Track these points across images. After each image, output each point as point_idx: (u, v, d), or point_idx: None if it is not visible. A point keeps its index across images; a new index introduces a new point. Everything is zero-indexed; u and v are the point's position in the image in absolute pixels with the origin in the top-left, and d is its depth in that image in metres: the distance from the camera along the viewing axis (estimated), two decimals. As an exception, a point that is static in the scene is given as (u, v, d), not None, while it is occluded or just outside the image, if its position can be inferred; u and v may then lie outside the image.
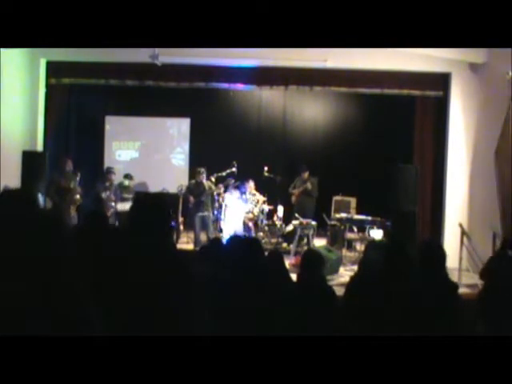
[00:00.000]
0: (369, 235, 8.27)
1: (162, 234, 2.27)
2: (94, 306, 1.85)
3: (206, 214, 8.82)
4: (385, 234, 8.02)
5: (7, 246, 1.90)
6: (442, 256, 3.39)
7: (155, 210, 2.28)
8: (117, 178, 9.25)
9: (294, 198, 9.49)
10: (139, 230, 2.26)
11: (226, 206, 9.31)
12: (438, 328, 3.02)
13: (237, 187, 9.35)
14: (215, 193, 9.22)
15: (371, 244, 3.74)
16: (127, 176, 9.31)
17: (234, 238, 3.92)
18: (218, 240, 5.51)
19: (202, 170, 8.94)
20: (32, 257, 1.92)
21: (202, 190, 8.82)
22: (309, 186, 9.22)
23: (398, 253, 3.44)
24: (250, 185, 9.35)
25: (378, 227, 8.23)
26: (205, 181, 8.95)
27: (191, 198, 8.91)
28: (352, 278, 3.83)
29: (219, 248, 4.76)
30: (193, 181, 9.09)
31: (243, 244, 3.45)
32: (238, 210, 9.16)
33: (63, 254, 2.00)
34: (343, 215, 8.76)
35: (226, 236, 8.68)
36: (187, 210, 9.26)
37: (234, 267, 3.27)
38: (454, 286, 3.39)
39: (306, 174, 9.39)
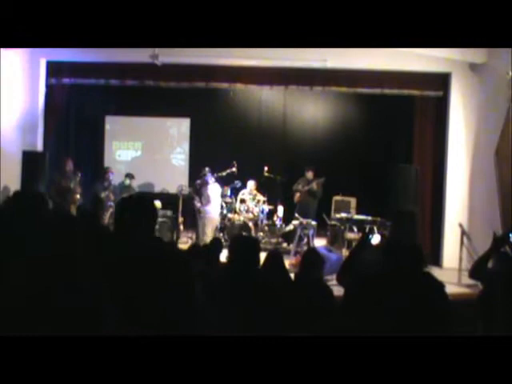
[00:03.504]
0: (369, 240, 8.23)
1: (145, 232, 2.29)
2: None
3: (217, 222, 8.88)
4: (382, 239, 7.97)
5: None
6: (418, 256, 3.37)
7: (131, 210, 2.31)
8: (116, 178, 9.26)
9: (296, 197, 9.46)
10: (122, 230, 2.29)
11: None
12: (428, 328, 3.01)
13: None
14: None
15: (362, 244, 3.73)
16: (129, 175, 9.33)
17: (235, 238, 3.92)
18: (218, 240, 5.52)
19: (207, 169, 9.02)
20: (32, 256, 1.92)
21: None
22: (314, 186, 9.21)
23: (392, 253, 3.44)
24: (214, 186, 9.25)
25: (378, 231, 8.21)
26: (209, 181, 9.01)
27: (196, 198, 8.96)
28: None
29: (219, 248, 4.77)
30: (198, 181, 9.12)
31: (242, 243, 3.45)
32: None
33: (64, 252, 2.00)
34: (343, 215, 8.75)
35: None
36: (189, 209, 9.30)
37: (234, 267, 3.27)
38: (440, 286, 3.38)
39: (311, 174, 9.38)
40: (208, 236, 8.48)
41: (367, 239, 3.73)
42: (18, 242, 1.94)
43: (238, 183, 9.59)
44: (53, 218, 2.27)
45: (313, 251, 4.23)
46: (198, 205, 8.85)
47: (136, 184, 9.59)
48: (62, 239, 2.03)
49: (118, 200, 8.56)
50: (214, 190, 8.80)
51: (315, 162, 9.74)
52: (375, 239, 3.81)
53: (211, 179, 8.86)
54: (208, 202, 8.67)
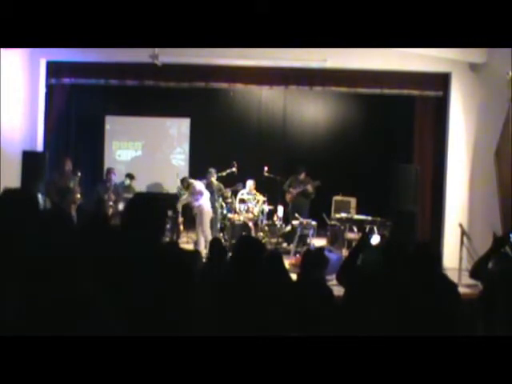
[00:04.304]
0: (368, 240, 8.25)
1: (154, 233, 2.27)
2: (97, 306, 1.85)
3: (212, 214, 8.87)
4: (382, 239, 8.00)
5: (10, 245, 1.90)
6: (436, 255, 3.41)
7: (148, 210, 2.29)
8: (117, 178, 9.26)
9: (288, 197, 9.48)
10: (131, 230, 2.27)
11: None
12: (437, 327, 3.02)
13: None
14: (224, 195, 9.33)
15: (363, 243, 3.76)
16: (129, 176, 9.32)
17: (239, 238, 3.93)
18: (217, 240, 5.52)
19: (213, 170, 9.04)
20: (34, 257, 1.92)
21: (211, 191, 8.88)
22: (309, 188, 9.22)
23: (392, 253, 3.45)
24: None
25: (378, 231, 8.21)
26: (215, 182, 9.04)
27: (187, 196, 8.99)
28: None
29: (220, 248, 4.77)
30: (204, 181, 9.15)
31: (245, 244, 3.45)
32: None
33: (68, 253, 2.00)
34: (343, 215, 8.75)
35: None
36: (189, 209, 9.30)
37: (234, 267, 3.27)
38: (453, 285, 3.40)
39: (303, 175, 9.39)
40: (207, 226, 8.48)
41: (367, 239, 3.75)
42: (9, 242, 1.94)
43: (239, 185, 9.57)
44: (47, 217, 2.26)
45: (318, 251, 4.22)
46: (191, 200, 8.80)
47: (136, 184, 9.59)
48: (57, 239, 2.02)
49: (127, 199, 8.55)
50: (198, 184, 8.80)
51: (315, 162, 9.75)
52: (375, 239, 3.83)
53: (191, 180, 8.88)
54: (200, 195, 8.64)
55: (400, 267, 3.34)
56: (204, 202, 8.66)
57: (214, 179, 9.11)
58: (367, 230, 7.96)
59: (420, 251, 3.41)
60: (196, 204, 8.68)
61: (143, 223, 2.24)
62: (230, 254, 3.77)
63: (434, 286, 3.24)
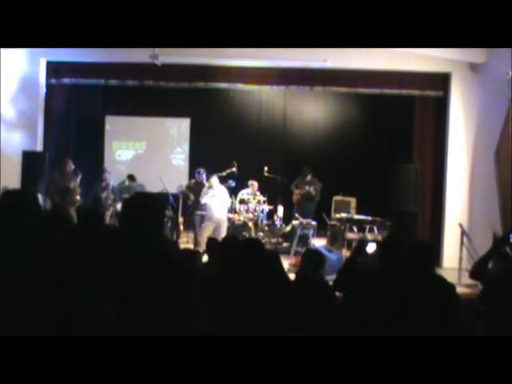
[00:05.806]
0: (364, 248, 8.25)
1: (151, 232, 2.27)
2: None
3: (204, 212, 8.82)
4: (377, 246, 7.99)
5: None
6: (429, 256, 3.42)
7: (144, 209, 2.28)
8: (116, 178, 9.25)
9: (294, 198, 9.50)
10: (127, 230, 2.27)
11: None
12: (436, 327, 3.03)
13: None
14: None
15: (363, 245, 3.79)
16: (130, 177, 9.29)
17: (235, 239, 3.92)
18: (215, 240, 5.52)
19: (202, 170, 9.04)
20: (35, 256, 1.92)
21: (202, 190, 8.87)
22: (312, 191, 9.23)
23: (391, 253, 3.46)
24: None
25: (379, 231, 8.20)
26: (205, 181, 9.02)
27: (191, 197, 8.99)
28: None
29: (217, 247, 4.76)
30: (193, 180, 9.17)
31: (245, 244, 3.45)
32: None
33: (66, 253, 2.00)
34: (343, 215, 8.75)
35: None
36: (187, 209, 9.30)
37: (233, 267, 3.27)
38: (451, 287, 3.42)
39: (309, 177, 9.39)
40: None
41: (362, 248, 3.77)
42: (7, 241, 1.94)
43: (231, 183, 9.53)
44: (46, 217, 2.26)
45: (312, 251, 4.22)
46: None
47: (135, 184, 9.57)
48: (56, 239, 2.02)
49: (125, 198, 8.49)
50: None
51: (315, 162, 9.74)
52: (370, 247, 3.84)
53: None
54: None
55: (396, 266, 3.35)
56: (222, 210, 8.52)
57: (203, 179, 9.08)
58: (364, 234, 7.97)
59: (415, 251, 3.42)
60: (218, 215, 8.46)
61: (139, 222, 2.24)
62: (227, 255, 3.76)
63: (428, 286, 3.24)
